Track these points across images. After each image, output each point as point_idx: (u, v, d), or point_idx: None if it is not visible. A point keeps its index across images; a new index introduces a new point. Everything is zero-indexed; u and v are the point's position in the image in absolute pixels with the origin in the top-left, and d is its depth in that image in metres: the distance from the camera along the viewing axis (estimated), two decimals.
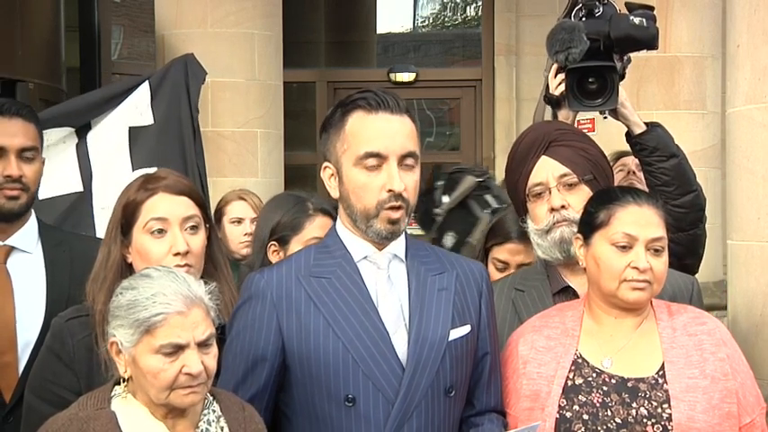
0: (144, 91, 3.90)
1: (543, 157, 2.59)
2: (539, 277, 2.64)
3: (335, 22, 9.26)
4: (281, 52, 6.51)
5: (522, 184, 2.62)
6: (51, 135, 3.74)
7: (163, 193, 2.27)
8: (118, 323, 1.91)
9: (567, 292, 2.59)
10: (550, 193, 2.57)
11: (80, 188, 3.74)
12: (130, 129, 3.84)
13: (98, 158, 3.79)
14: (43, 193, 3.60)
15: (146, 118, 3.88)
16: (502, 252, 3.00)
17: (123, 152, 3.82)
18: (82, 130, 3.85)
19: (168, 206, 2.26)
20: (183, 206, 2.28)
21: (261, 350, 2.15)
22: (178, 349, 1.87)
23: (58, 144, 3.79)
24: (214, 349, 1.93)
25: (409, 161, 2.15)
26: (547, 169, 2.58)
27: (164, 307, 1.87)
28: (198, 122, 4.00)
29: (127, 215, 2.28)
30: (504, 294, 2.63)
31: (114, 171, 3.79)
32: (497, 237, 3.03)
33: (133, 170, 3.81)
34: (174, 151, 3.89)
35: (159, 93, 3.91)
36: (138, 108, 3.88)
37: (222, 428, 1.99)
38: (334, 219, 2.78)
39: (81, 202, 3.61)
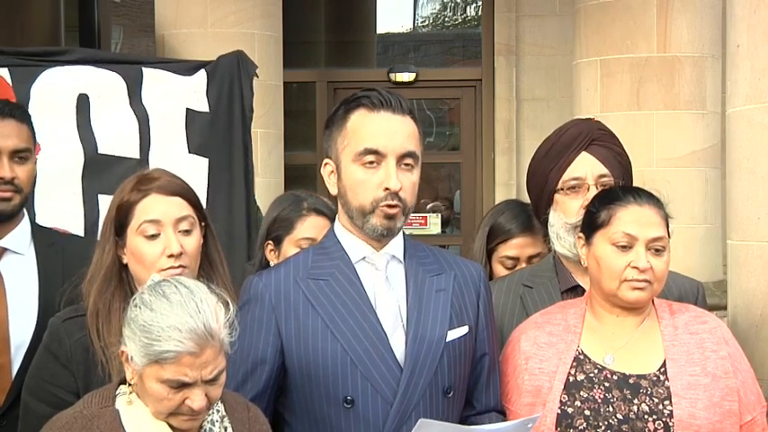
0: (201, 78, 3.90)
1: (584, 153, 2.61)
2: (548, 275, 2.65)
3: (335, 22, 9.26)
4: (281, 52, 6.51)
5: (556, 174, 2.62)
6: (103, 78, 3.71)
7: (155, 195, 2.26)
8: (130, 336, 1.88)
9: (576, 291, 2.59)
10: (588, 189, 2.57)
11: (137, 155, 3.70)
12: (187, 110, 3.83)
13: (157, 130, 3.75)
14: (103, 148, 3.59)
15: (202, 104, 3.87)
16: (509, 249, 3.00)
17: (180, 131, 3.80)
18: (134, 91, 3.78)
19: (161, 207, 2.25)
20: (177, 207, 2.27)
21: (260, 353, 2.15)
22: (184, 385, 1.85)
23: (111, 97, 3.71)
24: (221, 380, 1.90)
25: (408, 161, 2.15)
26: (587, 166, 2.59)
27: (176, 344, 1.82)
28: (251, 121, 3.98)
29: (120, 216, 2.27)
30: (512, 290, 2.64)
31: (171, 149, 3.76)
32: (500, 236, 3.03)
33: (189, 152, 3.79)
34: (224, 145, 3.89)
35: (212, 84, 3.91)
36: (196, 93, 3.87)
37: (226, 428, 1.98)
38: (330, 219, 2.79)
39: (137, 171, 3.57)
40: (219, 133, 3.90)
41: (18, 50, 3.85)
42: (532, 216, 2.86)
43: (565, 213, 2.59)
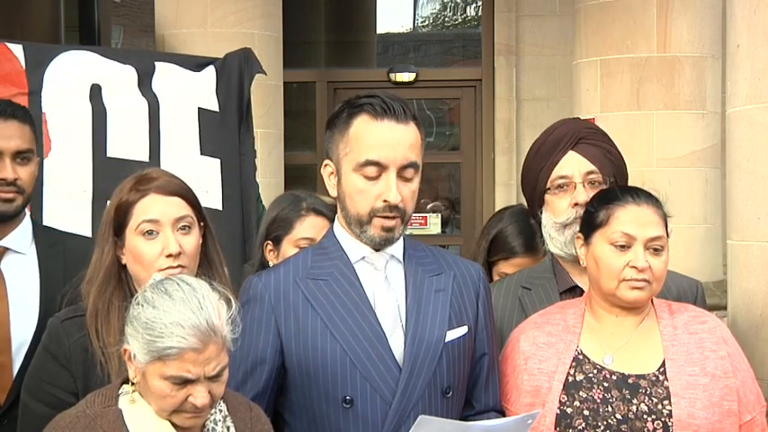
0: (211, 75, 3.88)
1: (571, 152, 2.61)
2: (546, 276, 2.65)
3: (335, 22, 9.26)
4: (281, 52, 6.51)
5: (545, 174, 2.62)
6: (115, 69, 3.70)
7: (154, 194, 2.26)
8: (132, 334, 1.88)
9: (575, 292, 2.60)
10: (575, 188, 2.58)
11: (146, 158, 3.67)
12: (199, 110, 3.81)
13: (167, 132, 3.72)
14: (112, 151, 3.58)
15: (212, 103, 3.85)
16: (509, 267, 3.00)
17: (192, 132, 3.76)
18: (145, 81, 3.76)
19: (160, 207, 2.25)
20: (175, 207, 2.27)
21: (260, 352, 2.15)
22: (187, 381, 1.85)
23: (123, 89, 3.70)
24: (224, 376, 1.90)
25: (409, 172, 2.14)
26: (574, 164, 2.59)
27: (178, 341, 1.82)
28: (248, 119, 3.96)
29: (119, 216, 2.27)
30: (510, 292, 2.64)
31: (183, 151, 3.73)
32: (502, 252, 3.02)
33: (201, 154, 3.77)
34: (233, 145, 3.87)
35: (221, 82, 3.89)
36: (206, 92, 3.85)
37: (228, 428, 1.99)
38: (330, 219, 2.79)
39: None
40: (229, 132, 3.88)
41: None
42: (537, 232, 2.86)
43: (554, 213, 2.60)
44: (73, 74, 3.62)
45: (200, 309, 1.85)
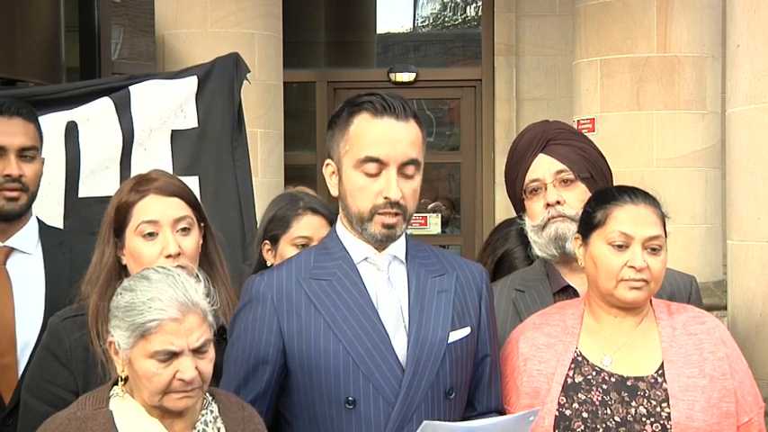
0: (191, 87, 3.85)
1: (541, 155, 2.63)
2: (539, 277, 2.66)
3: (335, 22, 9.27)
4: (281, 52, 6.51)
5: (519, 180, 2.66)
6: (91, 108, 3.66)
7: (154, 195, 2.27)
8: (116, 324, 1.92)
9: (567, 292, 2.61)
10: (546, 189, 2.59)
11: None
12: (173, 132, 3.79)
13: (138, 161, 3.69)
14: (84, 190, 3.57)
15: (190, 120, 3.81)
16: None
17: (165, 156, 3.75)
18: (124, 113, 3.74)
19: (159, 208, 2.26)
20: (175, 207, 2.28)
21: (262, 352, 2.15)
22: (172, 355, 1.87)
23: (100, 119, 3.64)
24: (210, 354, 1.93)
25: (410, 169, 2.15)
26: (543, 166, 2.62)
27: (158, 313, 1.87)
28: (243, 123, 3.94)
29: (119, 217, 2.28)
30: (504, 295, 2.65)
31: None
32: (508, 273, 3.02)
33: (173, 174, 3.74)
34: (218, 154, 3.84)
35: (205, 91, 3.84)
36: (183, 110, 3.80)
37: (219, 429, 1.99)
38: (327, 218, 2.80)
39: None
40: (212, 144, 3.83)
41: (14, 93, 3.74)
42: None
43: (531, 217, 2.64)
44: (49, 119, 3.56)
45: (177, 283, 1.91)
